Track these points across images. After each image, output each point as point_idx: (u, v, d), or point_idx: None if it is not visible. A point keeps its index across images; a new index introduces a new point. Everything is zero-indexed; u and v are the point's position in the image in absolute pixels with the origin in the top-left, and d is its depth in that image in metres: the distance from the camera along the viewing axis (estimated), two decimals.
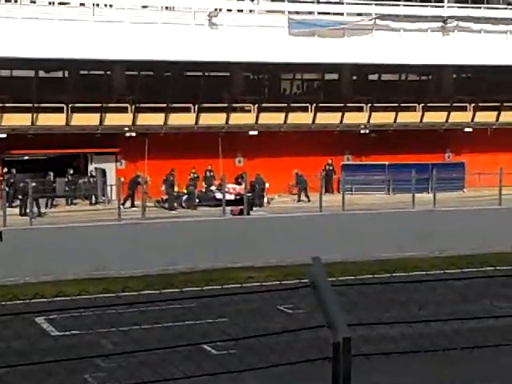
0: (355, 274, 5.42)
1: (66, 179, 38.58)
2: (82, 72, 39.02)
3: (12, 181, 36.39)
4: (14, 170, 37.73)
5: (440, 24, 43.38)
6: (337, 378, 3.88)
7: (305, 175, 39.12)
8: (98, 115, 38.82)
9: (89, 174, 39.35)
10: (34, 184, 31.93)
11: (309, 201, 38.38)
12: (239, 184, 38.51)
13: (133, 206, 36.20)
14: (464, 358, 5.30)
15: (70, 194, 38.26)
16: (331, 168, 42.60)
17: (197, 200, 37.44)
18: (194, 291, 13.76)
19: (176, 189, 38.01)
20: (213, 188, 38.64)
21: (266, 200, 38.48)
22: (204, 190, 38.90)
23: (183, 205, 37.67)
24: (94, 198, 38.41)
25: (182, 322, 13.58)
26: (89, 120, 38.64)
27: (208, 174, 40.11)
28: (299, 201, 39.17)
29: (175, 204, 37.43)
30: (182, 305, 14.47)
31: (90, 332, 12.91)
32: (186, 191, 37.90)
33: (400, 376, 9.45)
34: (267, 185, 39.09)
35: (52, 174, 37.63)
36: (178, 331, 12.09)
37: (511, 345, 4.87)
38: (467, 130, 44.77)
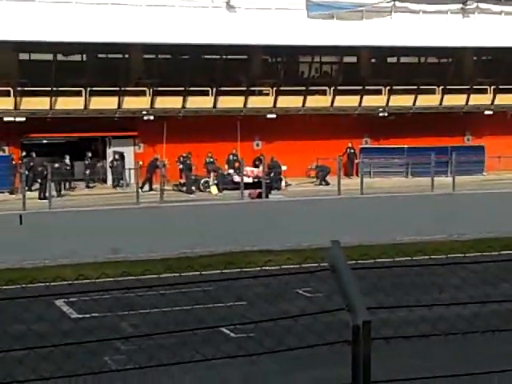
0: (374, 258, 5.40)
1: (86, 162, 38.78)
2: (100, 55, 39.04)
3: (31, 164, 36.57)
4: (33, 154, 37.91)
5: (460, 5, 43.04)
6: (356, 361, 3.87)
7: (325, 164, 39.05)
8: (116, 99, 38.87)
9: (111, 158, 39.46)
10: (54, 166, 32.06)
11: (327, 184, 38.37)
12: (257, 167, 38.57)
13: (151, 189, 36.30)
14: (484, 341, 5.28)
15: (88, 178, 38.44)
16: (352, 151, 42.48)
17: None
18: (214, 274, 13.80)
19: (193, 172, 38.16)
20: (231, 171, 38.66)
21: (283, 183, 38.50)
22: (225, 173, 38.93)
23: (201, 188, 37.76)
24: (115, 181, 38.62)
25: (201, 305, 13.63)
26: (107, 103, 38.70)
27: (231, 157, 40.04)
28: (320, 184, 39.19)
29: (193, 187, 37.51)
30: (202, 288, 14.53)
31: (110, 315, 12.97)
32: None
33: (419, 359, 9.45)
34: (284, 167, 39.09)
35: (68, 157, 37.85)
36: (197, 314, 12.14)
37: None
38: (487, 112, 44.47)
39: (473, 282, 8.58)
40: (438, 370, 4.70)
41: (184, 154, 38.99)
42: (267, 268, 6.87)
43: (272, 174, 37.26)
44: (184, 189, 37.38)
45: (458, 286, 8.94)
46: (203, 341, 6.92)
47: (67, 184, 36.86)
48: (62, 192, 34.17)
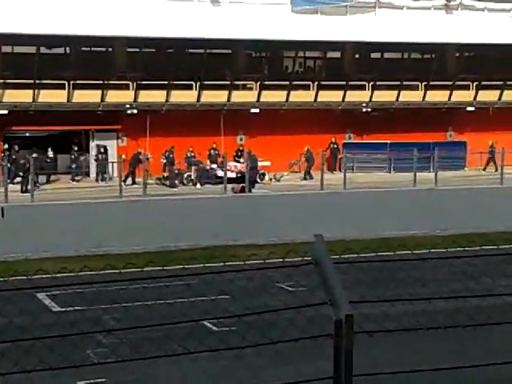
0: (357, 252, 5.42)
1: (72, 156, 38.67)
2: (83, 48, 38.90)
3: (14, 157, 36.39)
4: (16, 147, 37.73)
5: (443, 2, 43.16)
6: (339, 354, 3.89)
7: (314, 153, 39.11)
8: (99, 92, 38.73)
9: (95, 151, 39.33)
10: (35, 158, 31.91)
11: (311, 178, 38.41)
12: (239, 158, 38.65)
13: (134, 183, 36.24)
14: (466, 335, 5.32)
15: (71, 171, 38.33)
16: (336, 146, 42.56)
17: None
18: (197, 268, 13.80)
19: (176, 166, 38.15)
20: (214, 166, 38.65)
21: (267, 178, 38.55)
22: (208, 168, 38.93)
23: (184, 182, 37.76)
24: (98, 175, 38.53)
25: (184, 298, 13.63)
26: (90, 97, 38.56)
27: (212, 152, 40.06)
28: (305, 178, 39.18)
29: (176, 181, 37.48)
30: (184, 281, 14.53)
31: (93, 308, 12.94)
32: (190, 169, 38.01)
33: (402, 353, 9.50)
34: (268, 163, 39.09)
35: (51, 150, 37.74)
36: (180, 308, 12.15)
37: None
38: (469, 108, 44.67)
39: (455, 276, 8.63)
40: (421, 364, 4.73)
41: (168, 149, 38.95)
42: (250, 262, 6.88)
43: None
44: (167, 182, 37.35)
45: (441, 280, 8.99)
46: (186, 334, 6.92)
47: (46, 177, 36.68)
48: (39, 185, 33.94)
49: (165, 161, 38.53)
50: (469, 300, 4.90)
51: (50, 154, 37.83)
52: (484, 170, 42.10)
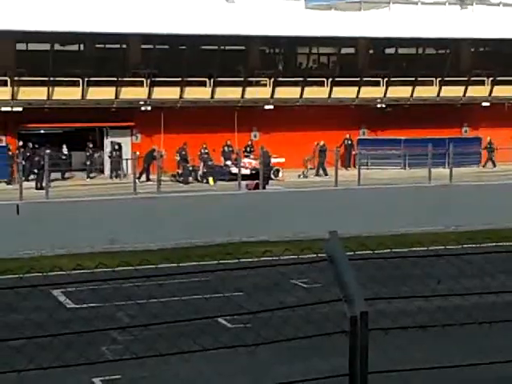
0: (372, 249, 5.39)
1: (88, 153, 38.80)
2: (97, 45, 38.98)
3: (28, 154, 36.53)
4: (30, 144, 37.87)
5: None
6: (354, 351, 3.88)
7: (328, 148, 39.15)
8: (113, 89, 38.81)
9: (109, 148, 39.43)
10: (49, 155, 32.02)
11: (326, 174, 38.41)
12: (247, 156, 38.71)
13: (148, 179, 36.30)
14: (483, 332, 5.29)
15: (85, 168, 38.45)
16: (350, 142, 42.51)
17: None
18: (211, 265, 13.80)
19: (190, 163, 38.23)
20: (228, 163, 38.66)
21: (280, 174, 38.57)
22: (222, 164, 38.98)
23: (198, 178, 37.81)
24: (113, 172, 38.66)
25: (198, 295, 13.63)
26: (104, 94, 38.64)
27: (226, 149, 40.07)
28: (318, 174, 39.26)
29: (190, 178, 37.52)
30: (199, 278, 14.53)
31: (107, 305, 12.97)
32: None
33: (417, 351, 9.46)
34: (282, 159, 39.10)
35: (65, 147, 37.88)
36: (194, 304, 12.15)
37: None
38: (484, 104, 44.47)
39: (470, 273, 8.59)
40: (436, 361, 4.71)
41: (181, 146, 39.01)
42: (265, 259, 6.88)
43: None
44: (181, 179, 37.42)
45: (456, 276, 8.95)
46: (201, 331, 6.92)
47: (62, 174, 36.83)
48: (57, 183, 34.09)
49: (178, 158, 38.60)
50: (485, 296, 4.87)
51: (65, 150, 37.97)
52: (484, 166, 41.97)
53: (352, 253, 4.40)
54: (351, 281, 3.95)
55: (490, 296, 4.95)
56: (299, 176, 38.83)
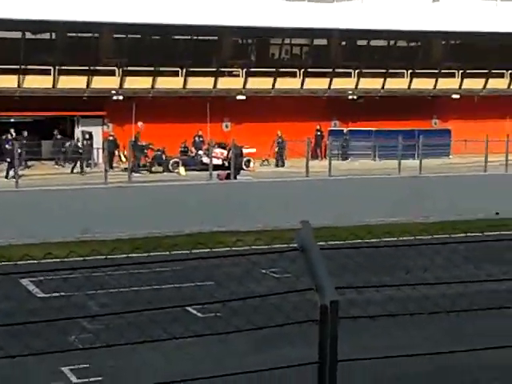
0: (343, 239, 5.44)
1: (53, 141, 38.50)
2: (69, 34, 38.69)
3: None
4: (12, 132, 37.43)
5: None
6: (324, 340, 3.91)
7: (286, 139, 39.34)
8: (85, 78, 38.58)
9: (80, 138, 39.12)
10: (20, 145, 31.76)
11: (283, 165, 38.74)
12: (223, 148, 38.66)
13: (111, 167, 36.09)
14: (449, 320, 5.36)
15: (55, 157, 38.18)
16: (320, 133, 42.64)
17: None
18: (182, 254, 13.80)
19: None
20: (200, 152, 38.63)
21: (251, 165, 38.63)
22: (193, 154, 38.93)
23: (170, 168, 37.74)
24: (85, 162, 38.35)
25: (170, 284, 13.64)
26: (76, 83, 38.40)
27: (197, 139, 40.03)
28: (277, 165, 39.46)
29: (161, 168, 37.55)
30: (170, 267, 14.53)
31: (78, 294, 12.93)
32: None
33: (387, 338, 9.56)
34: (253, 150, 39.11)
35: (26, 133, 37.55)
36: (165, 293, 12.17)
37: (497, 308, 4.92)
38: (454, 96, 44.78)
39: (440, 263, 8.68)
40: (405, 349, 4.76)
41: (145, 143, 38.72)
42: (236, 248, 6.90)
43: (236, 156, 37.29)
44: (153, 169, 37.44)
45: (426, 266, 9.04)
46: (171, 320, 6.93)
47: (24, 163, 36.34)
48: (26, 172, 33.78)
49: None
50: (453, 286, 4.93)
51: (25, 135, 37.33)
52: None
53: (323, 243, 4.43)
54: (322, 270, 3.98)
55: (459, 285, 5.02)
56: (262, 162, 39.08)
